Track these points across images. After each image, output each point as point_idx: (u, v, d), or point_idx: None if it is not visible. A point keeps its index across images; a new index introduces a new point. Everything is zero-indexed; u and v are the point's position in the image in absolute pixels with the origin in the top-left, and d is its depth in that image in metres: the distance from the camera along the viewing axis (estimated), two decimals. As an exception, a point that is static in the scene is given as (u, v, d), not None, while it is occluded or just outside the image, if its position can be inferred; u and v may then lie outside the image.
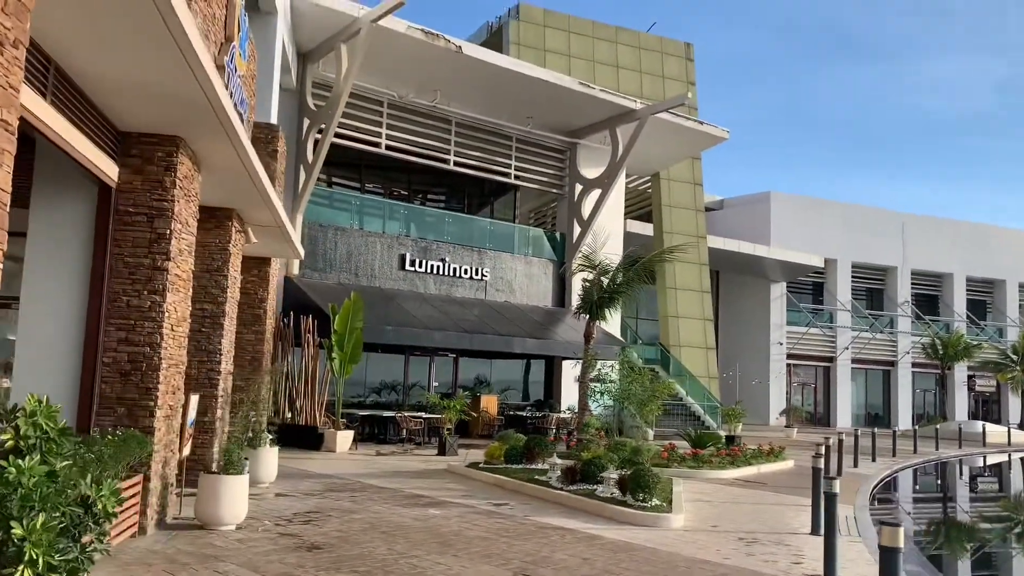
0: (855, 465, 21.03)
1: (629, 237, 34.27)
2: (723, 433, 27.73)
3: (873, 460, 23.27)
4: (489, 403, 25.17)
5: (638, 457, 12.38)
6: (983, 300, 51.18)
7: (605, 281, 19.04)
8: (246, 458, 9.72)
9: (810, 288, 47.20)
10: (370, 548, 8.59)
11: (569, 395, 26.20)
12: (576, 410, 20.21)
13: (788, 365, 44.50)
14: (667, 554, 9.06)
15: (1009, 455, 32.94)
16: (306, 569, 7.56)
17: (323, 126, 21.90)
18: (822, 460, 11.82)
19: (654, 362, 33.97)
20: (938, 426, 33.72)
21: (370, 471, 15.51)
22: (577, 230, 28.59)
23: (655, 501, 11.52)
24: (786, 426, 34.81)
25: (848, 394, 45.82)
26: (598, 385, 16.78)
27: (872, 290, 48.62)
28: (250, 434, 12.37)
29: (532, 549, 8.92)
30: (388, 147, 25.26)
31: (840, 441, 19.58)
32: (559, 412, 25.21)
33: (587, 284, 19.13)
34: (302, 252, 17.79)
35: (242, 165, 10.43)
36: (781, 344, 43.94)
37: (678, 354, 33.18)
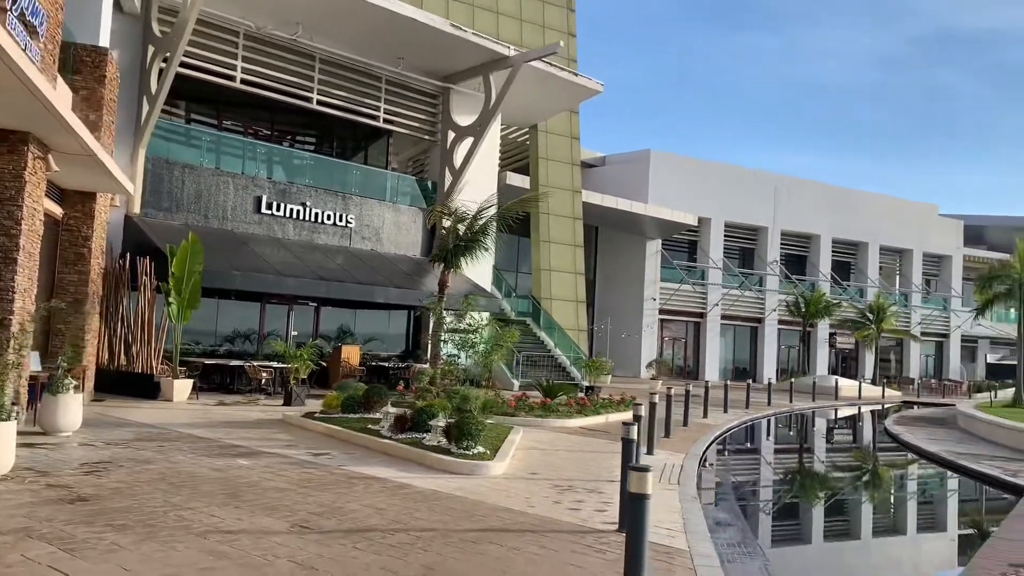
0: (705, 416, 21.51)
1: (509, 190, 33.85)
2: (586, 384, 28.09)
3: (725, 411, 23.91)
4: (351, 353, 24.43)
5: (467, 405, 12.04)
6: (847, 262, 53.52)
7: (462, 229, 18.54)
8: (14, 403, 8.80)
9: (685, 246, 48.20)
10: (144, 500, 7.91)
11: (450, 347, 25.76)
12: (453, 360, 19.75)
13: (661, 320, 45.47)
14: (471, 503, 8.76)
15: (859, 408, 34.72)
16: (53, 523, 6.84)
17: (168, 54, 20.36)
18: (643, 408, 11.78)
19: (526, 314, 33.97)
20: (793, 380, 35.17)
21: (198, 421, 14.66)
22: (449, 178, 27.91)
23: (479, 449, 11.25)
24: (652, 378, 35.55)
25: (717, 349, 47.26)
26: (447, 335, 16.37)
27: (744, 249, 50.05)
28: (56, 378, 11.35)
29: (328, 500, 8.44)
30: (244, 81, 23.80)
31: (687, 392, 19.94)
32: (425, 363, 24.76)
33: (444, 232, 18.58)
34: (131, 187, 16.52)
35: (19, 81, 9.32)
36: (654, 300, 44.77)
37: (549, 307, 33.23)
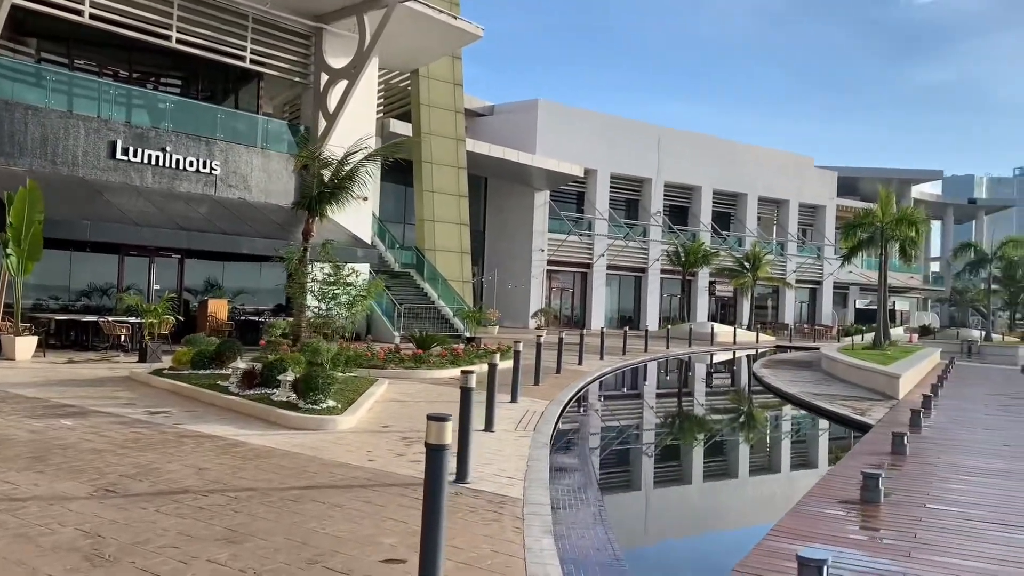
0: (580, 363, 21.69)
1: (392, 138, 32.96)
2: (468, 335, 27.94)
3: (601, 358, 24.22)
4: (218, 307, 23.40)
5: (317, 358, 11.57)
6: (728, 212, 54.98)
7: (327, 175, 17.78)
8: None
9: (573, 197, 48.38)
10: (-69, 468, 7.17)
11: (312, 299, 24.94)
12: (321, 313, 18.98)
13: (548, 271, 45.70)
14: (307, 459, 8.37)
15: (733, 352, 35.95)
16: None
17: (0, -17, 18.53)
18: (498, 356, 11.61)
19: (410, 266, 33.43)
20: (670, 327, 36.03)
21: (35, 380, 13.64)
22: (323, 123, 26.79)
23: (330, 403, 10.83)
24: (537, 328, 35.75)
25: (603, 298, 47.96)
26: (311, 287, 15.67)
27: (629, 200, 50.66)
28: None
29: (147, 461, 7.88)
30: (94, 16, 21.95)
31: (560, 339, 20.01)
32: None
33: (306, 177, 17.77)
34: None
35: None
36: (543, 251, 44.89)
37: (433, 258, 32.74)
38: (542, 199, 45.05)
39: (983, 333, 45.53)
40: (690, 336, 35.54)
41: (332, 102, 26.71)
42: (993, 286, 52.96)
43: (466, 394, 7.82)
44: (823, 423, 15.92)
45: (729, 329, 41.07)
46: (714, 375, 28.85)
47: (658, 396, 22.29)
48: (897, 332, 47.35)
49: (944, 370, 24.15)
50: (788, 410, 18.17)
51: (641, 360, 26.88)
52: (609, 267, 47.94)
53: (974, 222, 79.64)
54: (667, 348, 31.63)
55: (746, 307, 51.62)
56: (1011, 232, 72.81)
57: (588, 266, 47.48)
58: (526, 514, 6.72)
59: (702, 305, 51.67)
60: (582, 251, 47.05)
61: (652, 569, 6.93)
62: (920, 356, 24.18)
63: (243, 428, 9.89)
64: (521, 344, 14.99)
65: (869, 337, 32.79)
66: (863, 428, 13.54)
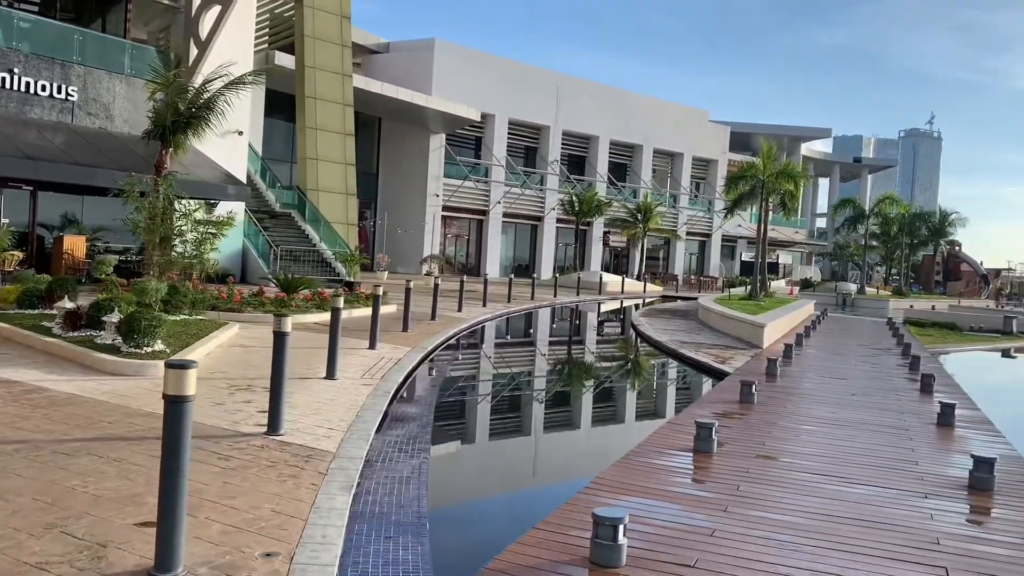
0: (459, 310, 21.27)
1: (278, 71, 31.36)
2: (349, 279, 27.10)
3: (484, 305, 23.87)
4: (75, 244, 21.86)
5: (145, 298, 10.70)
6: (624, 163, 55.22)
7: (183, 105, 16.52)
8: None
9: (470, 142, 47.52)
10: None
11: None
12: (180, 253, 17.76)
13: (444, 216, 44.94)
14: (109, 408, 7.63)
15: (621, 302, 36.28)
16: None
17: None
18: (342, 299, 10.99)
19: (292, 207, 32.13)
20: (558, 276, 36.04)
21: None
22: (195, 52, 25.09)
23: (159, 347, 10.03)
24: (427, 274, 35.13)
25: (498, 246, 47.63)
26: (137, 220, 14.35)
27: (528, 148, 50.17)
28: None
29: (-86, 409, 7.00)
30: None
31: (435, 286, 19.50)
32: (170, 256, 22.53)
33: (156, 104, 16.48)
34: None
35: None
36: (438, 196, 44.03)
37: (316, 199, 31.49)
38: (438, 142, 44.03)
39: (858, 286, 47.47)
40: (578, 285, 35.63)
41: (204, 29, 25.05)
42: (872, 242, 55.21)
43: (280, 339, 7.20)
44: (685, 371, 16.02)
45: (618, 279, 41.47)
46: (591, 323, 28.86)
47: (526, 344, 21.80)
48: (779, 284, 48.95)
49: (814, 321, 24.88)
50: (654, 358, 18.26)
51: (524, 308, 26.69)
52: (505, 215, 47.53)
53: (859, 180, 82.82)
54: (554, 297, 31.58)
55: (638, 258, 52.25)
56: (895, 190, 75.95)
57: (484, 213, 46.94)
58: (331, 469, 6.23)
59: (596, 255, 52.04)
60: (478, 197, 46.42)
61: (455, 525, 6.55)
62: (792, 307, 24.82)
63: (52, 373, 9.02)
64: (412, 287, 14.39)
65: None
66: (722, 376, 13.62)
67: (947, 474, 7.41)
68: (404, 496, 6.20)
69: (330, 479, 5.97)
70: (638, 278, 46.15)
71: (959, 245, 64.28)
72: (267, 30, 37.30)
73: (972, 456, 7.10)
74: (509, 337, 22.20)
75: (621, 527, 4.67)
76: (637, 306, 32.78)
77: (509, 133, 47.37)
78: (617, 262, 54.70)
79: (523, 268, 48.46)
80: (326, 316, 16.84)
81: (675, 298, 39.03)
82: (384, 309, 19.26)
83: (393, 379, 10.59)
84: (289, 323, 7.27)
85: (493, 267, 46.28)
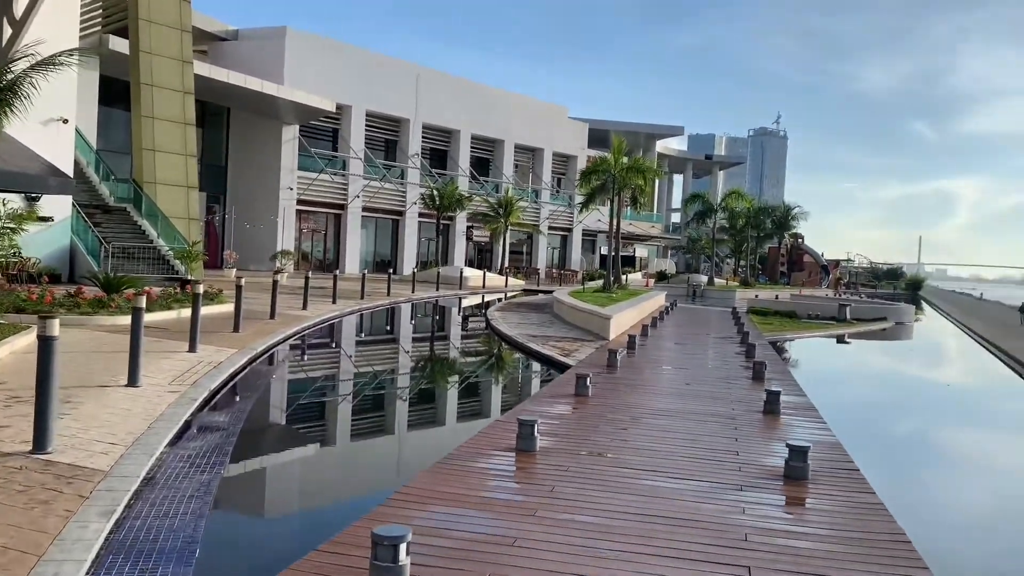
0: (304, 307, 20.37)
1: (113, 56, 29.26)
2: (189, 277, 25.55)
3: (333, 302, 23.03)
4: None
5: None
6: (486, 158, 55.13)
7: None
8: None
9: (327, 134, 46.10)
10: None
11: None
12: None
13: (298, 211, 43.37)
14: None
15: (483, 296, 36.05)
16: None
17: None
18: (144, 300, 10.06)
19: (127, 200, 30.04)
20: (416, 271, 35.47)
21: None
22: (8, 32, 22.89)
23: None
24: (277, 271, 33.71)
25: (358, 241, 46.46)
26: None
27: (388, 140, 49.21)
28: None
29: None
30: None
31: (274, 282, 18.56)
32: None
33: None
34: None
35: None
36: (292, 189, 42.43)
37: (153, 192, 29.54)
38: (291, 134, 42.42)
39: (709, 278, 49.32)
40: (438, 280, 35.16)
41: (20, 6, 22.92)
42: (721, 235, 57.54)
43: (46, 344, 6.34)
44: (529, 366, 15.85)
45: (480, 273, 41.28)
46: (444, 320, 28.43)
47: (368, 344, 20.71)
48: (635, 277, 50.20)
49: (663, 312, 25.43)
50: (500, 354, 18.01)
51: (378, 305, 25.95)
52: (365, 209, 46.42)
53: (712, 177, 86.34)
54: (412, 293, 30.97)
55: (501, 252, 52.28)
56: (744, 186, 79.59)
57: (342, 207, 45.67)
58: (96, 491, 5.48)
59: (460, 250, 51.71)
60: (336, 191, 45.10)
61: (233, 550, 5.92)
62: (642, 299, 25.26)
63: None
64: (247, 284, 13.41)
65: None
66: (565, 370, 13.47)
67: (765, 464, 7.40)
68: (180, 518, 5.53)
69: (90, 504, 5.23)
70: (501, 272, 46.15)
71: (802, 237, 68.03)
72: (99, 12, 34.81)
73: (787, 445, 7.11)
74: (352, 336, 21.15)
75: (403, 546, 4.22)
76: (497, 301, 32.62)
77: (367, 125, 46.28)
78: (481, 256, 54.59)
79: (385, 263, 47.49)
80: (154, 317, 15.67)
81: (536, 292, 39.19)
82: (219, 308, 18.24)
83: (206, 385, 9.76)
84: (56, 326, 6.41)
85: (353, 263, 45.14)
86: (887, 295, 62.59)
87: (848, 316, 31.30)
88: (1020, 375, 19.64)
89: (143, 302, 9.66)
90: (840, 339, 27.18)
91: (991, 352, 25.14)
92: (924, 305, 61.52)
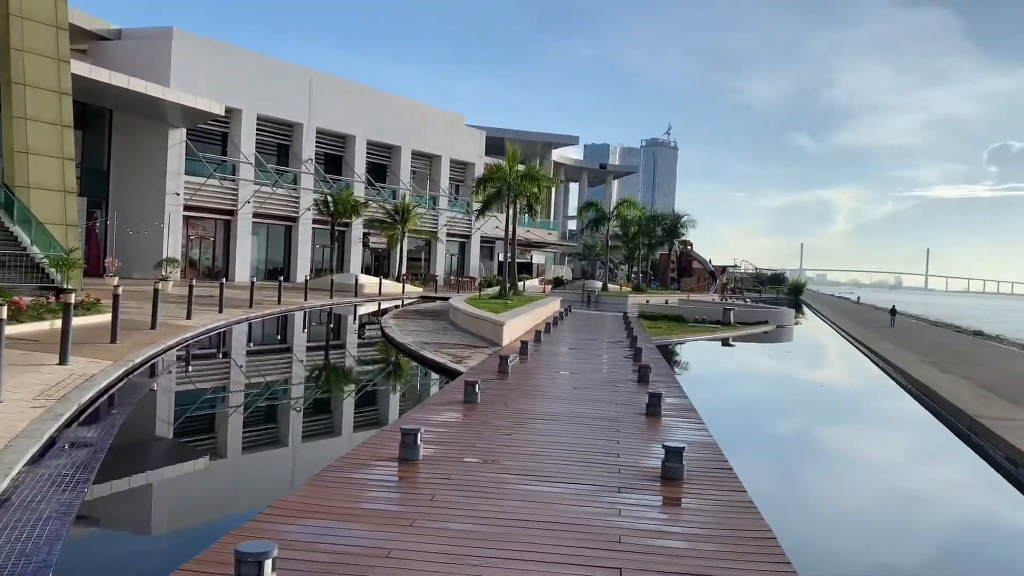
0: (188, 317, 19.66)
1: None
2: (65, 286, 24.25)
3: (220, 311, 22.32)
4: None
5: None
6: (383, 164, 54.61)
7: None
8: None
9: (216, 138, 44.69)
10: None
11: None
12: None
13: (186, 217, 41.84)
14: None
15: (379, 304, 35.60)
16: None
17: None
18: (4, 311, 9.50)
19: (-4, 206, 28.27)
20: (308, 278, 34.80)
21: None
22: None
23: None
24: (158, 280, 32.41)
25: (249, 248, 45.19)
26: None
27: (280, 145, 48.10)
28: None
29: None
30: None
31: (156, 291, 17.85)
32: None
33: None
34: None
35: None
36: (178, 194, 40.89)
37: (26, 197, 27.90)
38: (178, 137, 40.93)
39: (603, 283, 50.31)
40: (332, 288, 34.56)
41: None
42: (615, 242, 58.81)
43: None
44: (421, 373, 15.76)
45: (376, 281, 40.83)
46: (336, 328, 27.96)
47: (255, 354, 19.97)
48: (532, 283, 50.73)
49: (557, 318, 25.76)
50: (395, 361, 17.85)
51: (268, 314, 25.30)
52: (256, 215, 45.20)
53: (606, 185, 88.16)
54: (305, 301, 30.32)
55: (398, 259, 51.87)
56: (638, 195, 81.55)
57: (232, 213, 44.33)
58: (-62, 516, 5.13)
59: (356, 257, 50.99)
60: (225, 197, 43.75)
61: (91, 574, 5.66)
62: (536, 304, 25.53)
63: None
64: (123, 293, 12.76)
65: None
66: (454, 375, 13.46)
67: (644, 465, 7.58)
68: (34, 542, 5.23)
69: (-69, 531, 4.89)
70: (398, 279, 45.76)
71: (691, 244, 70.24)
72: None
73: (664, 446, 7.30)
74: (237, 346, 20.40)
75: (268, 562, 4.12)
76: (393, 308, 32.31)
77: (259, 129, 45.16)
78: (378, 264, 54.01)
79: (278, 271, 46.35)
80: (22, 328, 14.83)
81: (434, 299, 39.01)
82: (96, 319, 17.43)
83: (76, 399, 9.29)
84: None
85: (243, 271, 43.89)
86: (771, 299, 65.35)
87: (732, 320, 32.49)
88: (888, 374, 20.83)
89: (4, 312, 9.10)
90: (724, 342, 28.19)
91: (863, 352, 26.57)
92: (805, 309, 64.51)
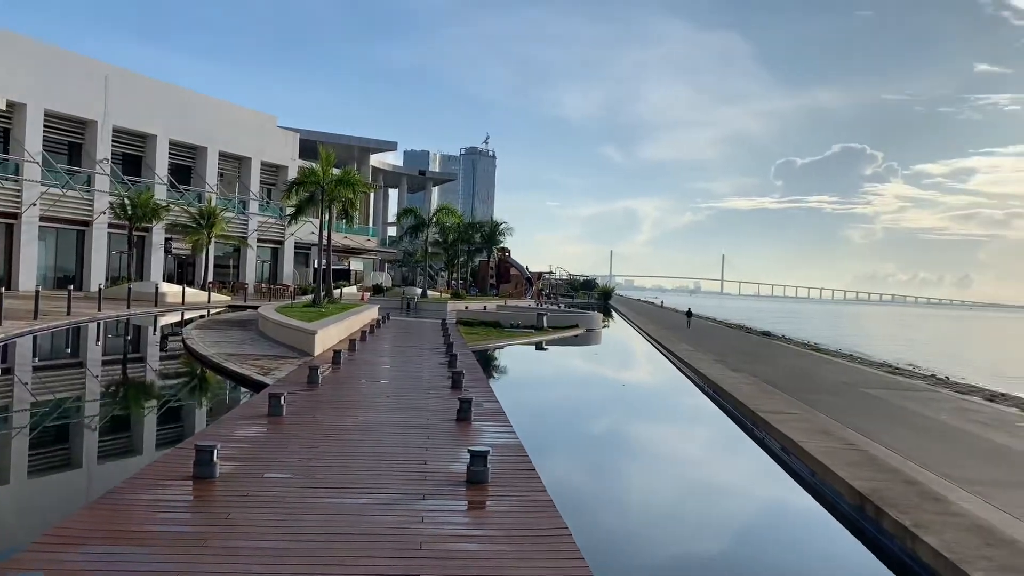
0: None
1: None
2: None
3: (-2, 325, 20.31)
4: None
5: None
6: (188, 166, 51.82)
7: None
8: None
9: (-5, 133, 40.68)
10: None
11: None
12: None
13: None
14: None
15: (182, 314, 33.68)
16: None
17: None
18: None
19: None
20: (102, 287, 32.46)
21: None
22: None
23: None
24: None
25: (35, 254, 41.39)
26: None
27: (72, 143, 44.49)
28: None
29: None
30: None
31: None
32: None
33: None
34: None
35: None
36: (-51, 195, 36.85)
37: None
38: (-49, 132, 36.89)
39: (423, 290, 50.34)
40: (129, 297, 32.34)
41: None
42: (435, 249, 59.05)
43: None
44: (226, 387, 15.12)
45: (179, 289, 38.64)
46: (135, 340, 26.24)
47: (38, 370, 18.07)
48: (350, 291, 49.94)
49: (374, 326, 25.51)
50: (196, 375, 16.99)
51: (55, 326, 23.29)
52: (44, 219, 41.51)
53: (426, 192, 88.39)
54: (99, 311, 28.17)
55: (204, 266, 49.39)
56: (458, 202, 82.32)
57: (15, 216, 40.51)
58: None
59: (158, 264, 48.03)
60: (7, 199, 39.90)
61: None
62: (352, 312, 25.14)
63: None
64: None
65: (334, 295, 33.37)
66: (260, 387, 13.02)
67: (450, 471, 7.68)
68: None
69: None
70: (204, 288, 43.53)
71: (509, 251, 71.85)
72: None
73: (468, 451, 7.44)
74: (16, 362, 18.46)
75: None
76: (198, 318, 30.69)
77: (46, 126, 41.59)
78: (182, 271, 51.11)
79: (68, 279, 42.75)
80: None
81: (244, 308, 37.43)
82: None
83: None
84: None
85: (28, 278, 40.19)
86: (583, 304, 68.11)
87: (545, 324, 33.57)
88: (682, 372, 22.28)
89: None
90: (538, 346, 29.07)
91: (662, 353, 28.26)
92: (613, 313, 67.74)
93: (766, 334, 46.22)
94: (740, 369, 20.53)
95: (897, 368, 27.75)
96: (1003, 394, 22.59)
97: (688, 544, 8.29)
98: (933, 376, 26.16)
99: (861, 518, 8.09)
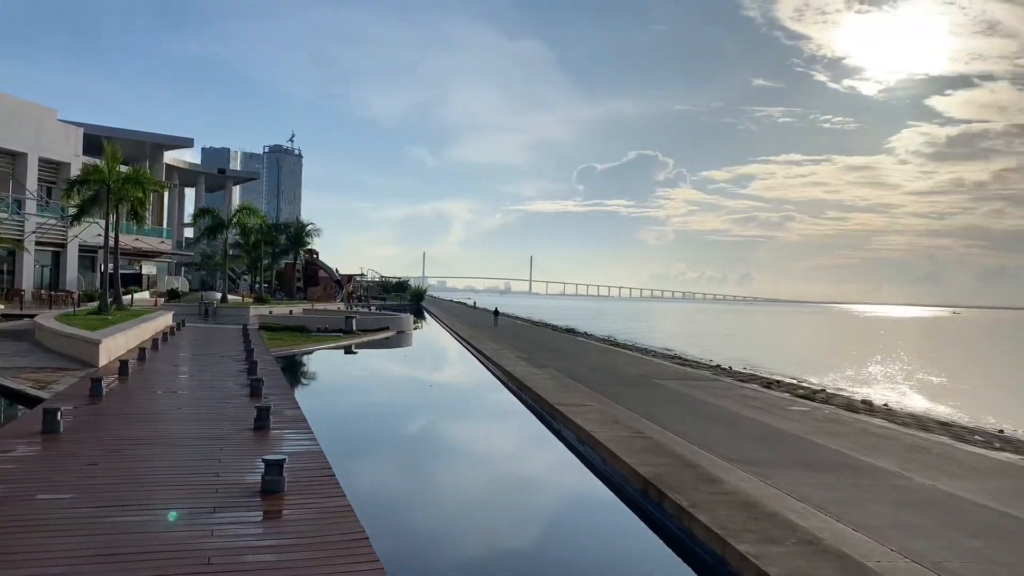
0: None
1: None
2: None
3: None
4: None
5: None
6: (5, 172, 46.67)
7: None
8: None
9: None
10: None
11: None
12: None
13: None
14: None
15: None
16: None
17: None
18: None
19: None
20: None
21: None
22: None
23: None
24: None
25: None
26: None
27: None
28: None
29: None
30: None
31: None
32: None
33: None
34: None
35: None
36: None
37: None
38: None
39: (222, 295, 48.05)
40: None
41: None
42: (237, 251, 56.54)
43: None
44: (3, 404, 13.82)
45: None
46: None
47: None
48: (142, 296, 46.90)
49: (167, 333, 24.11)
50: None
51: None
52: None
53: (226, 192, 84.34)
54: None
55: (27, 278, 44.57)
56: (262, 202, 79.26)
57: None
58: None
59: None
60: None
61: None
62: (142, 319, 23.61)
63: None
64: None
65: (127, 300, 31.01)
66: (37, 402, 11.99)
67: (245, 482, 7.48)
68: None
69: None
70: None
71: (317, 253, 70.15)
72: None
73: (263, 460, 7.28)
74: None
75: None
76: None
77: None
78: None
79: None
80: None
81: (20, 316, 34.07)
82: None
83: None
84: None
85: None
86: (395, 306, 67.76)
87: (355, 327, 33.14)
88: (489, 370, 22.82)
89: None
90: (347, 350, 28.65)
91: (470, 352, 28.76)
92: (425, 314, 67.98)
93: (570, 331, 48.15)
94: (545, 366, 21.29)
95: (686, 359, 29.89)
96: (777, 381, 25.03)
97: (488, 539, 8.55)
98: (718, 366, 28.45)
99: (646, 501, 8.70)
